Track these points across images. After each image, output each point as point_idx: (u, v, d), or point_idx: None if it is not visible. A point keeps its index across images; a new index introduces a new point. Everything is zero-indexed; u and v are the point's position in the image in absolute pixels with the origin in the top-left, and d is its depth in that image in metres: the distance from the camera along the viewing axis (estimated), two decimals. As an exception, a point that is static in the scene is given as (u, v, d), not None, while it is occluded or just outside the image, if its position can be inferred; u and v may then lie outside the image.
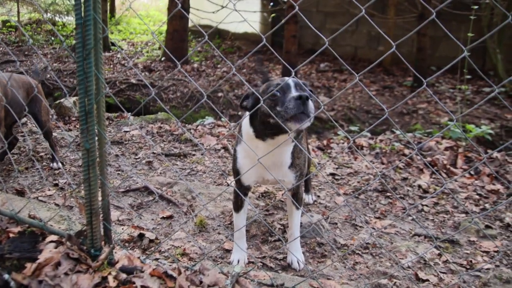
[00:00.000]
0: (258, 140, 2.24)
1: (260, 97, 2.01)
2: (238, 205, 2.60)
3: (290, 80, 2.07)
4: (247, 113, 2.33)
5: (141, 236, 2.81)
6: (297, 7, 1.63)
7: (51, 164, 4.04)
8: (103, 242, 2.05)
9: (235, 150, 2.50)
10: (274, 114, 1.96)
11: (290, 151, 2.37)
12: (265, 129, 2.15)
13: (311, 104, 1.95)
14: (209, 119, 6.62)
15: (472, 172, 4.37)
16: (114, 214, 3.14)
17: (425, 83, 1.54)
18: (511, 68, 9.12)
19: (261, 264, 2.66)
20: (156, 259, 2.35)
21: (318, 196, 3.77)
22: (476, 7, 5.61)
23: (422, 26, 1.69)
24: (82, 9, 1.76)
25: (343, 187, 4.05)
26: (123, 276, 1.89)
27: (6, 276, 1.90)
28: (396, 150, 4.97)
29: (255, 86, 9.42)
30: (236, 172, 2.51)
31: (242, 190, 2.51)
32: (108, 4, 13.70)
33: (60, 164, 4.04)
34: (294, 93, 2.00)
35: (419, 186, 4.08)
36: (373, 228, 3.28)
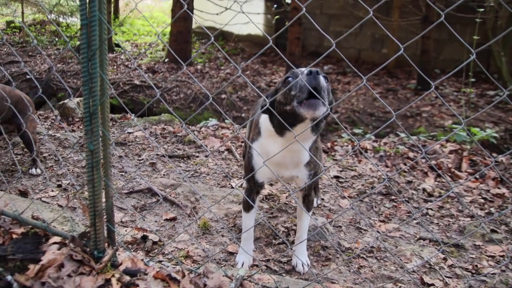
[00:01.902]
0: (278, 136, 2.20)
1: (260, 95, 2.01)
2: (249, 205, 2.53)
3: (302, 69, 2.04)
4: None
5: (145, 238, 2.80)
6: (304, 9, 1.61)
7: (30, 170, 3.94)
8: (106, 244, 2.04)
9: (250, 147, 2.43)
10: (290, 99, 1.94)
11: (308, 147, 2.27)
12: (283, 119, 2.04)
13: (323, 80, 1.89)
14: (213, 121, 6.61)
15: (477, 176, 4.35)
16: (118, 216, 3.13)
17: (433, 86, 1.52)
18: (515, 71, 9.08)
19: (265, 267, 2.64)
20: (160, 262, 2.33)
21: (323, 199, 3.75)
22: (481, 10, 5.59)
23: (430, 28, 1.67)
24: (87, 9, 1.76)
25: (347, 190, 4.03)
26: (127, 278, 1.88)
27: (9, 277, 1.89)
28: (401, 153, 4.95)
29: (258, 88, 9.42)
30: (251, 170, 2.42)
31: (255, 188, 2.48)
32: (112, 5, 13.73)
33: (39, 171, 3.95)
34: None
35: (424, 190, 4.06)
36: (378, 232, 3.26)
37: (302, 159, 2.33)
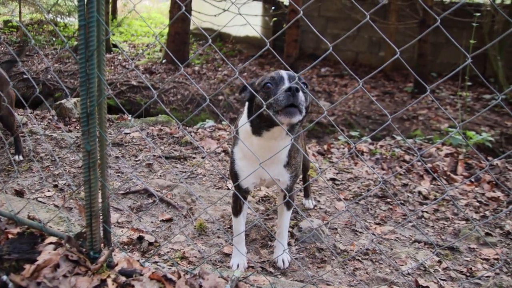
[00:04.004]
0: (255, 137, 2.22)
1: (250, 89, 2.03)
2: (237, 210, 2.57)
3: (284, 73, 2.07)
4: (244, 112, 2.32)
5: (141, 238, 2.80)
6: (301, 12, 1.62)
7: (14, 157, 4.14)
8: (102, 245, 2.04)
9: (232, 152, 2.47)
10: (268, 105, 1.96)
11: (288, 148, 2.34)
12: (260, 121, 2.13)
13: (301, 96, 1.93)
14: (210, 122, 6.61)
15: (472, 179, 4.37)
16: (114, 216, 3.13)
17: (429, 90, 1.53)
18: (511, 75, 9.14)
19: (261, 268, 2.64)
20: (156, 262, 2.34)
21: (318, 201, 3.76)
22: (478, 14, 5.62)
23: (426, 33, 1.69)
24: (85, 10, 1.76)
25: (343, 192, 4.04)
26: (122, 279, 1.88)
27: (4, 277, 1.89)
28: (397, 156, 4.96)
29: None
30: (234, 175, 2.46)
31: (241, 193, 2.49)
32: (110, 6, 13.73)
33: (21, 157, 4.15)
34: (286, 85, 2.01)
35: (419, 193, 4.08)
36: (373, 234, 3.27)
37: (281, 159, 2.37)
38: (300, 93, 1.92)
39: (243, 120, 2.32)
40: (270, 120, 2.00)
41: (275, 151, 2.23)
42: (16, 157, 4.15)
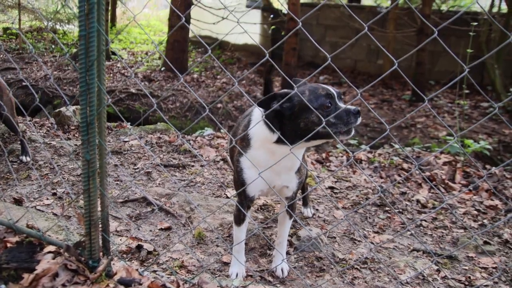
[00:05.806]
0: (280, 145, 2.18)
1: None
2: (240, 218, 2.54)
3: (331, 89, 2.12)
4: (256, 121, 2.25)
5: (139, 247, 2.80)
6: (300, 24, 1.64)
7: (21, 157, 4.26)
8: (101, 253, 2.04)
9: (239, 161, 2.40)
10: (327, 123, 1.98)
11: (302, 154, 2.39)
12: (302, 134, 2.09)
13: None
14: (208, 130, 6.62)
15: (470, 188, 4.38)
16: (112, 225, 3.13)
17: (427, 101, 1.55)
18: (509, 83, 9.18)
19: (259, 277, 2.64)
20: (154, 271, 2.34)
21: (317, 210, 3.77)
22: (475, 23, 5.66)
23: (424, 44, 1.70)
24: (86, 21, 1.77)
25: (341, 201, 4.04)
26: (121, 288, 1.88)
27: (3, 286, 1.89)
28: (395, 164, 4.97)
29: (254, 97, 9.44)
30: (241, 184, 2.39)
31: (246, 202, 2.48)
32: (109, 13, 13.79)
33: (29, 158, 4.26)
34: (342, 104, 2.09)
35: (418, 201, 4.08)
36: (372, 243, 3.27)
37: (295, 165, 2.40)
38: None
39: (261, 130, 2.24)
40: (325, 135, 2.06)
41: (293, 159, 2.27)
42: (23, 158, 4.24)
